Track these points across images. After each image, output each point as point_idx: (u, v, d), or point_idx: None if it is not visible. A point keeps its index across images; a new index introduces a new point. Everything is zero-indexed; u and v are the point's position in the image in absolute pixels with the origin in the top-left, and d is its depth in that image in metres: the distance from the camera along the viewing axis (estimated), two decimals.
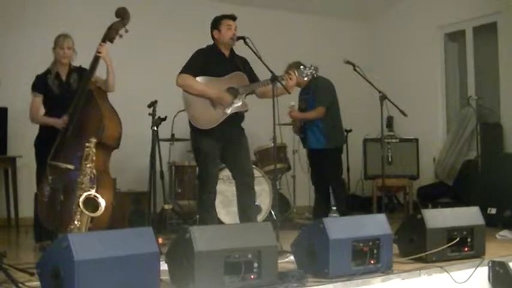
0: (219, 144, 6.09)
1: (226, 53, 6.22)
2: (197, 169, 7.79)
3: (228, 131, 6.06)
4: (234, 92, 6.05)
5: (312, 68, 6.17)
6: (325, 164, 7.80)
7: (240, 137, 6.23)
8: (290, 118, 7.89)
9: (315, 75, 6.25)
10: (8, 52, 7.58)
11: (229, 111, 6.02)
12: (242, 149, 6.21)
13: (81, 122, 6.01)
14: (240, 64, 6.16)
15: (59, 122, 6.16)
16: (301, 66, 6.18)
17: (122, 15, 6.15)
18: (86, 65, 6.23)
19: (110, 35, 6.15)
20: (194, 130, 6.14)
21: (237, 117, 6.13)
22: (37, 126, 6.46)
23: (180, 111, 7.21)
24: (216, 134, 6.02)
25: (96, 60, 6.12)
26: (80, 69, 6.45)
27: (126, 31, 6.14)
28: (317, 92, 7.67)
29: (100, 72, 6.23)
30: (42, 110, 6.47)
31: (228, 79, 6.09)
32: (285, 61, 6.13)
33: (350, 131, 9.18)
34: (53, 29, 6.55)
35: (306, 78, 6.20)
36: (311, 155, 8.02)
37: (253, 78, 6.21)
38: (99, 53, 6.09)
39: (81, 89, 6.12)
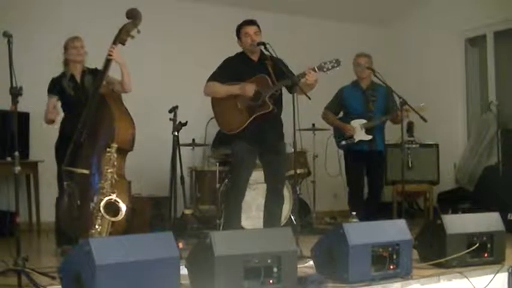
0: (255, 148, 6.21)
1: (255, 57, 6.28)
2: (217, 174, 7.88)
3: (261, 135, 6.14)
4: (257, 95, 6.09)
5: (334, 61, 6.14)
6: (380, 167, 7.92)
7: (276, 142, 6.31)
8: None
9: (337, 68, 6.16)
10: (28, 58, 7.62)
11: (253, 114, 6.08)
12: (277, 155, 6.30)
13: (94, 126, 6.03)
14: (269, 66, 6.16)
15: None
16: (322, 61, 6.15)
17: (133, 16, 6.12)
18: (100, 67, 6.28)
19: (121, 37, 6.14)
20: (229, 135, 6.22)
21: (269, 121, 6.18)
22: (58, 130, 6.51)
23: (212, 118, 7.25)
24: (249, 137, 6.14)
25: (107, 63, 6.14)
26: (94, 71, 6.48)
27: (138, 32, 6.11)
28: (392, 98, 7.62)
29: (116, 74, 6.27)
30: (59, 113, 6.53)
31: (250, 82, 6.13)
32: (303, 65, 6.12)
33: None
34: (71, 34, 6.59)
35: (328, 72, 6.13)
36: (368, 157, 7.86)
37: (287, 75, 6.17)
38: (110, 55, 6.12)
39: (93, 92, 6.15)
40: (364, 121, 7.75)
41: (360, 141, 7.77)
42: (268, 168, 6.38)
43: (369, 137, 7.73)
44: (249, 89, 6.07)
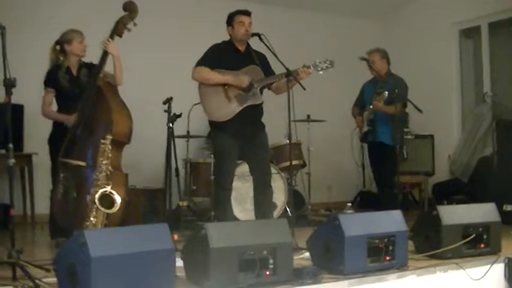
0: (237, 141, 6.13)
1: (242, 48, 6.23)
2: (212, 166, 7.86)
3: (245, 127, 6.08)
4: (249, 79, 6.07)
5: (328, 62, 6.14)
6: (385, 160, 7.66)
7: (259, 133, 6.25)
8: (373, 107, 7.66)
9: (331, 69, 6.16)
10: (22, 50, 7.59)
11: (243, 104, 6.05)
12: (260, 146, 6.23)
13: (91, 118, 6.00)
14: (256, 59, 6.16)
15: (70, 120, 6.19)
16: (316, 60, 6.14)
17: (130, 8, 6.09)
18: (95, 60, 6.25)
19: (117, 30, 6.11)
20: (212, 126, 6.20)
21: (254, 112, 6.14)
22: (51, 123, 6.48)
23: (195, 104, 7.21)
24: (233, 129, 6.06)
25: (104, 55, 6.12)
26: (90, 65, 6.45)
27: (135, 24, 6.10)
28: (397, 89, 7.45)
29: (109, 68, 6.23)
30: (54, 106, 6.50)
31: (243, 72, 6.11)
32: (300, 58, 6.12)
33: None
34: (66, 26, 6.56)
35: (321, 72, 6.13)
36: (375, 148, 7.86)
37: (269, 73, 6.22)
38: (106, 47, 6.08)
39: (90, 85, 6.11)
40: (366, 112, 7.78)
41: (365, 133, 7.80)
42: (252, 161, 6.34)
43: (366, 128, 7.75)
44: (245, 80, 6.04)
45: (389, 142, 7.59)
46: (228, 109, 6.05)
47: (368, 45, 8.04)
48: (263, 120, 6.32)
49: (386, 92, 7.41)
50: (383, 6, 10.92)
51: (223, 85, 6.11)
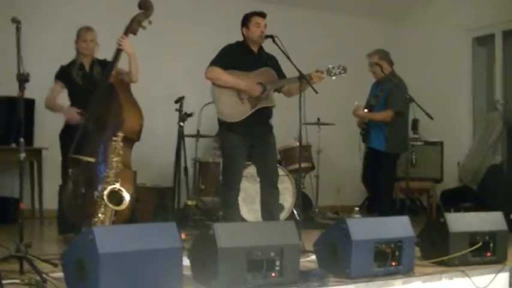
0: (246, 141, 6.14)
1: (255, 49, 6.25)
2: (221, 166, 7.87)
3: (255, 128, 6.10)
4: (262, 88, 6.08)
5: (341, 67, 6.16)
6: (379, 166, 7.64)
7: (268, 134, 6.27)
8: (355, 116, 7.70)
9: (344, 74, 6.19)
10: (34, 45, 7.61)
11: (256, 106, 6.06)
12: (269, 148, 6.25)
13: (102, 115, 5.99)
14: (268, 61, 6.19)
15: (73, 116, 6.23)
16: (330, 66, 6.17)
17: (145, 6, 6.08)
18: (110, 57, 6.24)
19: (132, 27, 6.09)
20: (221, 125, 6.19)
21: (265, 114, 6.16)
22: (62, 119, 6.49)
23: (206, 104, 7.22)
24: (242, 130, 6.07)
25: (118, 53, 6.10)
26: (104, 62, 6.48)
27: (150, 23, 6.07)
28: (391, 94, 7.50)
29: (124, 65, 6.23)
30: (59, 99, 6.51)
31: (256, 74, 6.13)
32: (311, 60, 6.14)
33: None
34: (79, 22, 6.58)
35: (334, 77, 6.16)
36: (369, 153, 7.86)
37: (280, 76, 6.24)
38: (120, 45, 6.08)
39: (103, 81, 6.12)
40: None
41: (362, 135, 7.78)
42: (260, 162, 6.35)
43: (360, 131, 7.78)
44: (256, 90, 6.07)
45: (382, 149, 7.57)
46: (241, 110, 6.06)
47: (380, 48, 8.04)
48: (273, 121, 6.33)
49: (356, 103, 7.50)
50: (395, 9, 10.89)
51: None
